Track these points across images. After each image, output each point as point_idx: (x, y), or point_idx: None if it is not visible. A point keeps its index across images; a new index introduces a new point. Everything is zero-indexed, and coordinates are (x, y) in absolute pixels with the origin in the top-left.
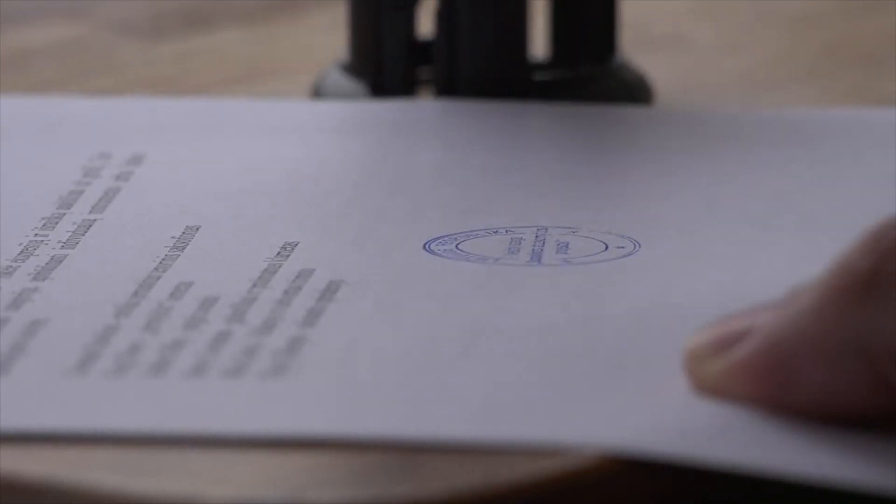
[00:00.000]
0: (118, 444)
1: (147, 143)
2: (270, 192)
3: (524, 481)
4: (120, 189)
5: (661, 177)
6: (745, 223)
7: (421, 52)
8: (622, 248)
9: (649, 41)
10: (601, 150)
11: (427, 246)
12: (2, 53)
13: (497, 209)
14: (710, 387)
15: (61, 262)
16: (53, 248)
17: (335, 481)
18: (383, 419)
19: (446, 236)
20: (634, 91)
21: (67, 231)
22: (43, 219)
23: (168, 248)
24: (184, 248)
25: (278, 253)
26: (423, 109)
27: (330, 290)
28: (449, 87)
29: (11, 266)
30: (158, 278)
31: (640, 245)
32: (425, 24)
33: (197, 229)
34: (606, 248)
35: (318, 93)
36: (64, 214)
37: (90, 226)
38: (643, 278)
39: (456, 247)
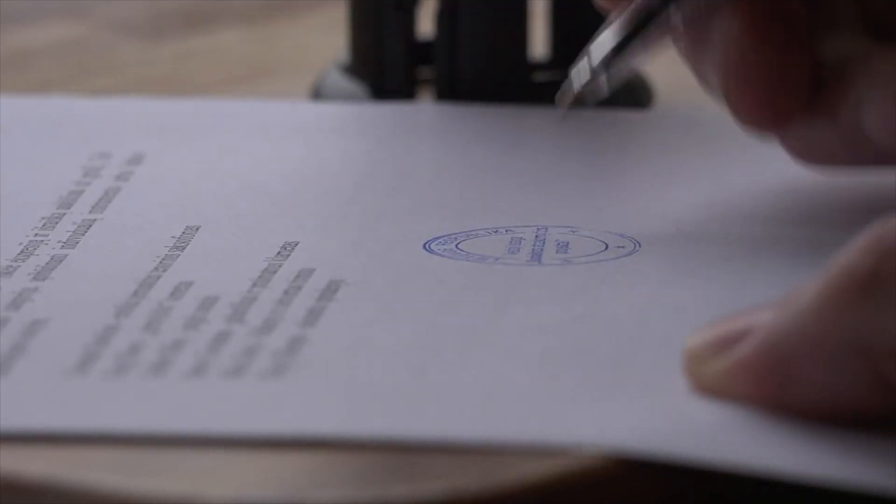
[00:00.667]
0: (118, 444)
1: (147, 143)
2: (270, 192)
3: (524, 481)
4: (120, 189)
5: (660, 177)
6: (745, 223)
7: (421, 52)
8: (622, 247)
9: None
10: (601, 150)
11: (427, 246)
12: (2, 53)
13: (497, 209)
14: (710, 387)
15: (61, 261)
16: (53, 248)
17: (335, 481)
18: (383, 419)
19: (446, 236)
20: (634, 91)
21: (67, 231)
22: (43, 219)
23: (168, 248)
24: (184, 248)
25: (278, 253)
26: (423, 111)
27: (330, 290)
28: (449, 88)
29: (11, 266)
30: (158, 278)
31: (640, 245)
32: (425, 24)
33: (197, 229)
34: (606, 247)
35: (318, 93)
36: (64, 214)
37: (90, 226)
38: (643, 278)
39: (456, 246)
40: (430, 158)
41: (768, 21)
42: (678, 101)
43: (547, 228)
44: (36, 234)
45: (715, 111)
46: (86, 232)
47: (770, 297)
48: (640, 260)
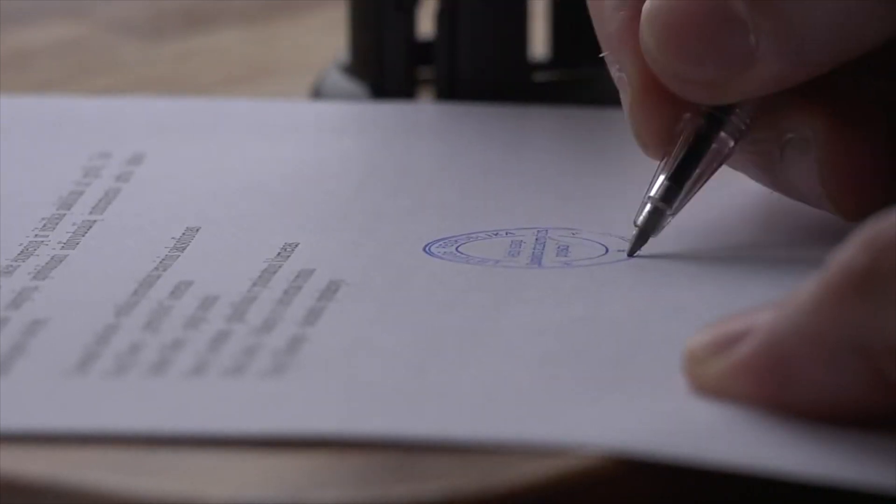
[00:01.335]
0: (118, 444)
1: (147, 143)
2: (270, 192)
3: (524, 481)
4: (120, 189)
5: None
6: (745, 223)
7: (421, 52)
8: (622, 250)
9: None
10: (601, 150)
11: (427, 248)
12: (2, 53)
13: (497, 210)
14: (710, 388)
15: (61, 261)
16: (53, 248)
17: (335, 481)
18: (383, 419)
19: (446, 238)
20: None
21: (67, 232)
22: (43, 219)
23: (168, 248)
24: (184, 248)
25: (278, 253)
26: (423, 111)
27: (330, 290)
28: (449, 88)
29: (11, 266)
30: (158, 277)
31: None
32: (425, 24)
33: (197, 229)
34: (607, 251)
35: (318, 93)
36: (64, 215)
37: (90, 226)
38: (643, 279)
39: (456, 249)
40: (430, 158)
41: (852, 118)
42: None
43: (547, 231)
44: (36, 235)
45: None
46: (86, 233)
47: (770, 298)
48: (639, 262)
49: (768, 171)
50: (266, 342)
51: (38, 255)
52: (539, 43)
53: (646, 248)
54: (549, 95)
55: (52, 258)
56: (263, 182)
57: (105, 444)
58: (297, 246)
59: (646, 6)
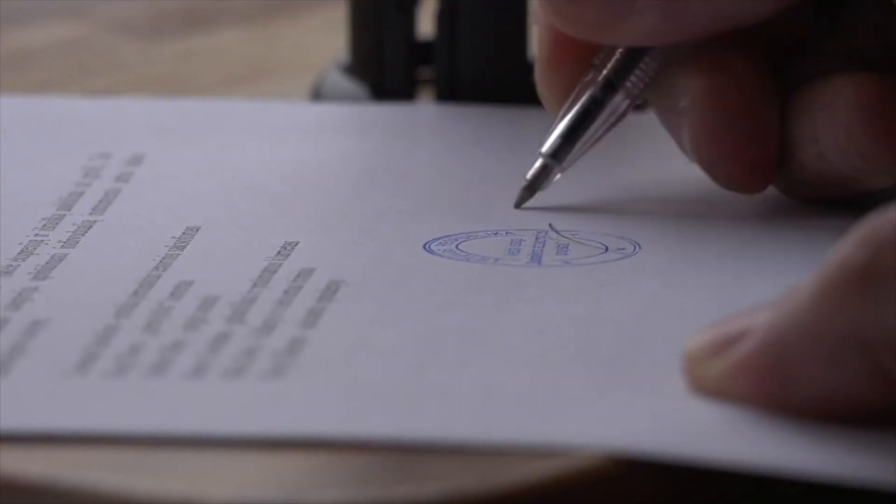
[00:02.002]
0: (118, 444)
1: (147, 143)
2: (270, 192)
3: (524, 482)
4: (120, 190)
5: (661, 178)
6: (745, 224)
7: (421, 52)
8: (622, 249)
9: None
10: (601, 150)
11: (427, 246)
12: (2, 53)
13: (497, 210)
14: (711, 388)
15: (61, 261)
16: (53, 248)
17: (335, 481)
18: (383, 419)
19: (446, 237)
20: None
21: (67, 232)
22: (43, 220)
23: (168, 248)
24: (184, 248)
25: (278, 253)
26: (423, 111)
27: (330, 290)
28: (449, 88)
29: (11, 265)
30: (158, 278)
31: (640, 247)
32: (425, 24)
33: (197, 229)
34: (606, 249)
35: (318, 93)
36: (64, 216)
37: (90, 227)
38: (643, 279)
39: (456, 247)
40: (430, 159)
41: (732, 84)
42: None
43: (547, 231)
44: (36, 235)
45: None
46: (86, 233)
47: (770, 298)
48: (640, 261)
49: (678, 138)
50: (266, 343)
51: (37, 255)
52: None
53: (646, 249)
54: None
55: (52, 258)
56: (263, 182)
57: (105, 444)
58: (297, 245)
59: None
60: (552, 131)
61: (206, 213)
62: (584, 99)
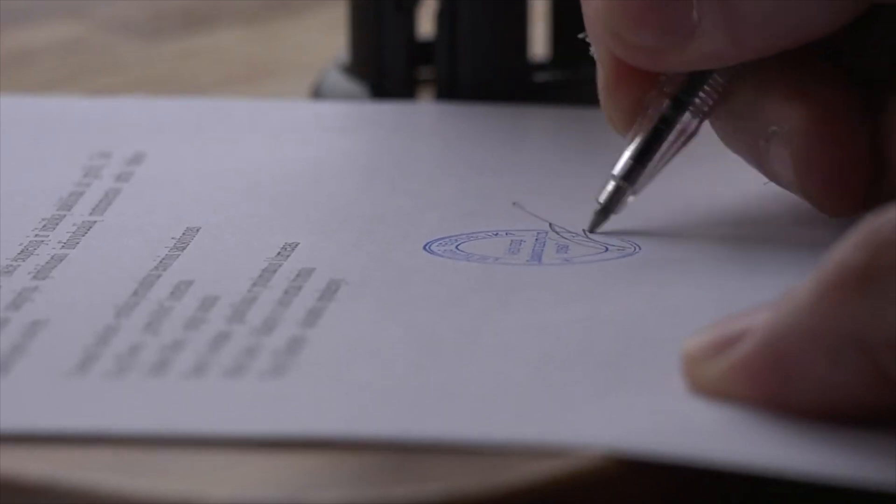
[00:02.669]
0: (118, 444)
1: (147, 143)
2: (270, 192)
3: (524, 482)
4: (120, 190)
5: (660, 178)
6: (745, 224)
7: (421, 52)
8: (622, 249)
9: None
10: (601, 151)
11: (427, 247)
12: (2, 53)
13: (497, 210)
14: (710, 389)
15: (61, 261)
16: (53, 248)
17: (335, 481)
18: (383, 419)
19: (446, 237)
20: None
21: (68, 232)
22: (43, 220)
23: (168, 248)
24: (184, 248)
25: (278, 253)
26: (423, 111)
27: (330, 290)
28: (449, 88)
29: (11, 265)
30: (158, 277)
31: (639, 247)
32: (425, 24)
33: (197, 229)
34: (606, 249)
35: (318, 93)
36: (64, 216)
37: (90, 227)
38: (643, 279)
39: (456, 247)
40: (430, 158)
41: (831, 112)
42: None
43: (547, 231)
44: (36, 235)
45: None
46: (86, 233)
47: (769, 298)
48: (640, 261)
49: (756, 159)
50: (266, 343)
51: (37, 255)
52: (539, 43)
53: (646, 249)
54: (548, 95)
55: (52, 257)
56: (263, 182)
57: (105, 444)
58: (296, 245)
59: None
60: (623, 153)
61: (206, 213)
62: (653, 120)
